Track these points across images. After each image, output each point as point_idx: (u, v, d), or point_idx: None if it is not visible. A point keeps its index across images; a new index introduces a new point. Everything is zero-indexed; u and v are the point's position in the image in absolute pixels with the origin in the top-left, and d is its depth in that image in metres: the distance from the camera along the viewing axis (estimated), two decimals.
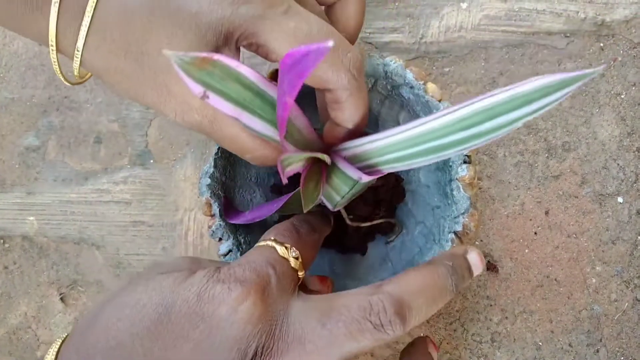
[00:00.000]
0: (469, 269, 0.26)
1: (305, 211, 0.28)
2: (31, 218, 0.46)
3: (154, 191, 0.45)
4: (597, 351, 0.41)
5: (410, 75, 0.32)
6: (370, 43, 0.46)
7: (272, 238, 0.27)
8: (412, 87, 0.33)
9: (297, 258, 0.27)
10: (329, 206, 0.31)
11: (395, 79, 0.33)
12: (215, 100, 0.24)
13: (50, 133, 0.46)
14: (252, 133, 0.26)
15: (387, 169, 0.27)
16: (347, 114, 0.27)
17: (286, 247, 0.27)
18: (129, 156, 0.46)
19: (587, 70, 0.20)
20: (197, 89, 0.23)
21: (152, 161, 0.45)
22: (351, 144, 0.28)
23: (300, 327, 0.23)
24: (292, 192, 0.31)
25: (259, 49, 0.26)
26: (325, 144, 0.29)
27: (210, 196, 0.33)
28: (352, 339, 0.23)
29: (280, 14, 0.25)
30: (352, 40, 0.31)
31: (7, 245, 0.46)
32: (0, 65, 0.48)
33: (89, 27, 0.26)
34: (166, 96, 0.27)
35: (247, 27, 0.25)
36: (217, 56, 0.23)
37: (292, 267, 0.26)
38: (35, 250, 0.45)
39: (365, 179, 0.27)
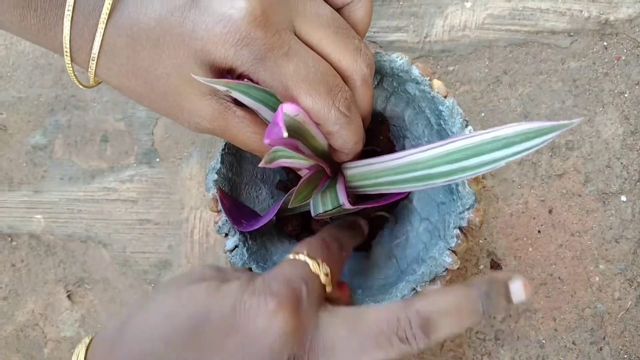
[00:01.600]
0: (507, 295, 0.26)
1: (290, 206, 0.30)
2: (38, 216, 0.46)
3: (160, 189, 0.46)
4: (601, 349, 0.41)
5: (416, 71, 0.32)
6: (374, 42, 0.46)
7: (306, 253, 0.28)
8: (418, 83, 0.33)
9: (327, 275, 0.28)
10: (312, 212, 0.33)
11: (401, 75, 0.33)
12: (237, 95, 0.27)
13: (57, 132, 0.47)
14: (262, 136, 0.28)
15: (382, 190, 0.30)
16: (340, 142, 0.29)
17: (318, 263, 0.28)
18: (136, 155, 0.46)
19: (563, 122, 0.22)
20: (221, 88, 0.26)
21: (158, 160, 0.46)
22: (352, 164, 0.31)
23: (330, 339, 0.25)
24: (283, 199, 0.33)
25: (259, 85, 0.27)
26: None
27: (217, 192, 0.33)
28: (380, 350, 0.24)
29: (280, 57, 0.26)
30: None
31: (14, 243, 0.46)
32: (7, 65, 0.48)
33: (98, 51, 0.27)
34: (178, 111, 0.28)
35: (248, 68, 0.26)
36: (244, 82, 0.26)
37: (322, 283, 0.27)
38: (42, 248, 0.46)
39: (347, 207, 0.31)
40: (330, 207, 0.32)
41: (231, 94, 0.27)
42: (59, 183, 0.46)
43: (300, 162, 0.30)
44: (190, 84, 0.27)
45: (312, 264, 0.27)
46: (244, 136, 0.29)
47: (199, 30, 0.26)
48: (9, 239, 0.46)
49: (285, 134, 0.22)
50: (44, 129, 0.47)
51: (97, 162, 0.46)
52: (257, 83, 0.27)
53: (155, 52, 0.27)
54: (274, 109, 0.28)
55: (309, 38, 0.28)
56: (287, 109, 0.25)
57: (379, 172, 0.30)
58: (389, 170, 0.29)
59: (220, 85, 0.26)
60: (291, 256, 0.28)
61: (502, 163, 0.24)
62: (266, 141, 0.24)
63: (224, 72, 0.27)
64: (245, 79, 0.27)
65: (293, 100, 0.26)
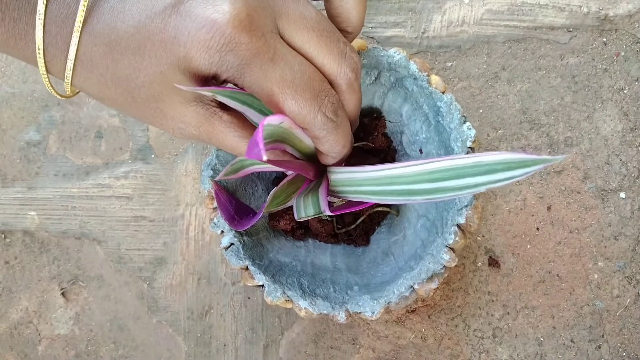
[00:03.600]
0: None
1: (265, 211, 0.30)
2: (32, 213, 0.46)
3: (155, 186, 0.45)
4: (599, 347, 0.41)
5: (414, 67, 0.32)
6: (372, 37, 0.45)
7: None
8: (415, 79, 0.32)
9: None
10: (295, 215, 0.33)
11: (399, 70, 0.33)
12: (223, 99, 0.26)
13: (51, 128, 0.46)
14: (248, 140, 0.28)
15: (363, 198, 0.30)
16: (327, 146, 0.28)
17: None
18: (130, 151, 0.46)
19: (548, 157, 0.22)
20: (207, 94, 0.26)
21: (153, 156, 0.45)
22: (337, 169, 0.31)
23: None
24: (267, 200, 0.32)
25: (245, 90, 0.27)
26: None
27: (212, 188, 0.33)
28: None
29: (266, 62, 0.25)
30: (356, 33, 0.30)
31: (8, 240, 0.45)
32: (0, 60, 0.47)
33: (74, 60, 0.26)
34: (162, 118, 0.28)
35: (233, 73, 0.25)
36: (229, 88, 0.26)
37: None
38: (36, 245, 0.45)
39: (327, 213, 0.30)
40: (311, 212, 0.32)
41: (217, 98, 0.26)
42: (53, 179, 0.46)
43: (273, 169, 0.29)
44: (174, 91, 0.26)
45: None
46: (232, 141, 0.28)
47: (182, 36, 0.25)
48: (3, 235, 0.46)
49: (265, 158, 0.22)
50: (38, 125, 0.46)
51: (92, 159, 0.46)
52: (242, 88, 0.26)
53: (136, 60, 0.26)
54: (260, 111, 0.27)
55: (293, 40, 0.27)
56: (269, 121, 0.24)
57: (362, 181, 0.30)
58: (371, 181, 0.29)
59: (206, 92, 0.25)
60: None
61: (483, 189, 0.24)
62: (247, 156, 0.24)
63: (209, 79, 0.26)
64: (229, 84, 0.26)
65: (278, 105, 0.26)
